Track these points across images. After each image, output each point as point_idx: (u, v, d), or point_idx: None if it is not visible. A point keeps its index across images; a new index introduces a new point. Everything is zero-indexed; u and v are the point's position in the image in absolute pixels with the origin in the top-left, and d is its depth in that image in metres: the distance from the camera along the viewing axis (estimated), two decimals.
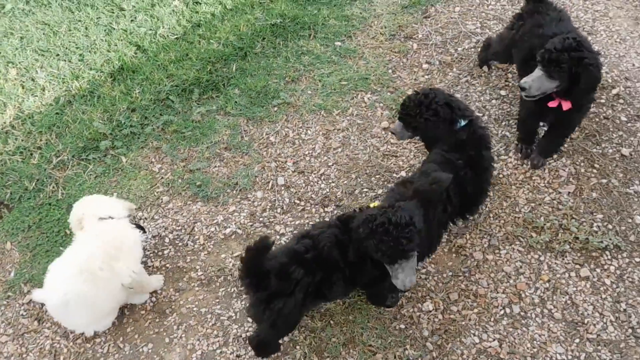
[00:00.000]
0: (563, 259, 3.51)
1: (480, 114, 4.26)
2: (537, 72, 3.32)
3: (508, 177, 3.92)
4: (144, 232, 3.67)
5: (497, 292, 3.42)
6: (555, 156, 3.97)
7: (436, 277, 3.52)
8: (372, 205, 2.91)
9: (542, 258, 3.53)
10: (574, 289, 3.40)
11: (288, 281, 2.75)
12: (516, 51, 3.92)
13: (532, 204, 3.77)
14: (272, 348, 3.16)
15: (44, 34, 5.04)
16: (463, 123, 3.21)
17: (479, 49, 4.53)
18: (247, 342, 3.20)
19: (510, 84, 4.44)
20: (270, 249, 2.73)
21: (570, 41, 3.22)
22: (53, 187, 4.07)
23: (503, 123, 4.21)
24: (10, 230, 3.89)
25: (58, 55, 4.85)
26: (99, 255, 3.15)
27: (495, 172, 3.92)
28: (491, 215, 3.76)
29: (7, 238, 3.87)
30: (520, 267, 3.51)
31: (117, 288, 3.23)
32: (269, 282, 2.74)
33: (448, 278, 3.51)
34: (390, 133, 3.49)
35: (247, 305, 3.02)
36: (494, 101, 4.35)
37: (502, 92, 4.39)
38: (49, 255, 3.74)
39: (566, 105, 3.43)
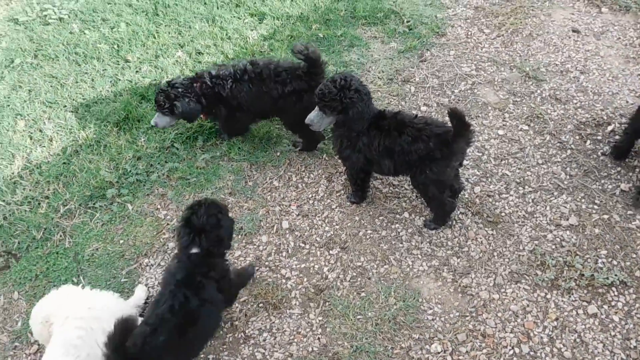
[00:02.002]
0: (570, 297, 3.51)
1: (480, 154, 4.34)
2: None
3: (510, 215, 3.96)
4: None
5: (506, 332, 3.41)
6: (556, 193, 4.03)
7: (443, 318, 3.52)
8: None
9: (548, 296, 3.54)
10: (583, 326, 3.39)
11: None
12: None
13: (536, 242, 3.80)
14: None
15: (51, 86, 5.17)
16: None
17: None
18: None
19: (508, 124, 4.54)
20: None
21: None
22: (60, 236, 4.11)
23: (502, 162, 4.28)
24: (17, 280, 3.91)
25: (65, 106, 4.97)
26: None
27: (497, 211, 3.97)
28: (495, 253, 3.78)
29: (15, 287, 3.88)
30: (527, 305, 3.51)
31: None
32: None
33: (455, 318, 3.50)
34: (307, 124, 3.78)
35: None
36: (492, 141, 4.43)
37: (500, 132, 4.48)
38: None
39: None
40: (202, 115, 4.38)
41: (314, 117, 3.70)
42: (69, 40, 5.58)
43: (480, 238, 3.87)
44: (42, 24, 5.85)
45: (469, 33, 5.42)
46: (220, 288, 3.12)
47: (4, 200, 4.29)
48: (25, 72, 5.34)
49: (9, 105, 5.02)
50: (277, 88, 4.10)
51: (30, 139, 4.76)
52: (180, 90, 4.13)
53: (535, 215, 3.95)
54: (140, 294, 3.66)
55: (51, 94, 5.10)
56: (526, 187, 4.11)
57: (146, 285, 3.78)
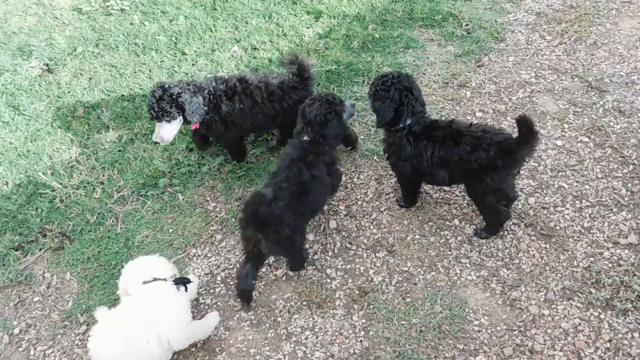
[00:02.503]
0: (625, 318, 3.37)
1: (536, 164, 4.21)
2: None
3: (565, 230, 3.83)
4: (187, 285, 3.50)
5: (555, 350, 3.30)
6: (615, 209, 3.88)
7: (489, 330, 3.43)
8: None
9: (602, 316, 3.40)
10: (638, 350, 3.24)
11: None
12: None
13: (591, 259, 3.66)
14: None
15: (110, 75, 5.30)
16: None
17: None
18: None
19: (567, 135, 4.39)
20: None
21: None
22: (113, 221, 4.21)
23: (559, 174, 4.14)
24: (70, 261, 4.03)
25: (123, 95, 5.09)
26: (143, 324, 3.14)
27: (552, 224, 3.85)
28: (548, 268, 3.67)
29: (67, 268, 4.00)
30: (579, 324, 3.39)
31: (165, 349, 3.24)
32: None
33: (502, 332, 3.41)
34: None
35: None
36: (550, 151, 4.29)
37: (559, 142, 4.34)
38: (106, 287, 3.84)
39: None
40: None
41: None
42: (129, 31, 5.71)
43: (533, 251, 3.75)
44: (104, 14, 6.01)
45: (530, 39, 5.27)
46: (329, 172, 3.61)
47: (61, 184, 4.42)
48: (86, 60, 5.50)
49: (69, 92, 5.18)
50: (274, 107, 4.06)
51: (88, 125, 4.89)
52: (178, 88, 3.85)
53: (592, 231, 3.80)
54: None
55: (110, 82, 5.23)
56: (583, 201, 3.97)
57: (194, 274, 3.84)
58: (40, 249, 4.12)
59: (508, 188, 3.59)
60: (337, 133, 3.66)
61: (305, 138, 3.56)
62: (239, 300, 3.61)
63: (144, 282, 3.28)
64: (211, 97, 3.97)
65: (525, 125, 3.19)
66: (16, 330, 3.74)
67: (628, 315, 3.38)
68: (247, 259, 3.46)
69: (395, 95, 3.53)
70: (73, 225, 4.21)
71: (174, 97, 3.82)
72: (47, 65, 5.46)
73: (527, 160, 3.47)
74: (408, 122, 3.56)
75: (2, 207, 4.33)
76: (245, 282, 3.43)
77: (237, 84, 4.02)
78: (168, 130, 3.94)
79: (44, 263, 4.06)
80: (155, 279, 3.32)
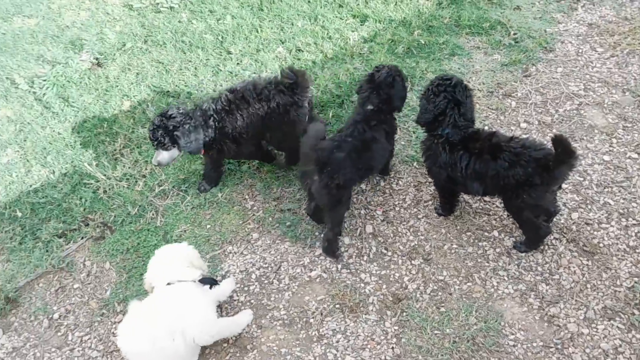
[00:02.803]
0: None
1: (581, 178, 4.10)
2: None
3: (609, 247, 3.72)
4: (213, 285, 3.56)
5: None
6: None
7: (525, 346, 3.35)
8: None
9: None
10: None
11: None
12: None
13: (636, 279, 3.54)
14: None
15: (157, 71, 5.42)
16: None
17: None
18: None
19: (615, 150, 4.26)
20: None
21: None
22: (152, 214, 4.29)
23: (605, 190, 4.02)
24: (110, 251, 4.12)
25: (168, 91, 5.19)
26: (168, 321, 3.17)
27: (595, 241, 3.74)
28: (589, 285, 3.56)
29: (107, 258, 4.10)
30: (620, 345, 3.28)
31: (190, 346, 3.26)
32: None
33: (538, 348, 3.33)
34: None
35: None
36: (596, 166, 4.18)
37: (606, 158, 4.22)
38: (143, 279, 3.91)
39: None
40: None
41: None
42: (177, 29, 5.82)
43: (574, 267, 3.65)
44: (154, 11, 6.15)
45: (580, 50, 5.14)
46: (388, 139, 3.89)
47: (105, 175, 4.53)
48: (134, 55, 5.63)
49: (117, 86, 5.31)
50: (262, 106, 3.96)
51: (134, 119, 5.00)
52: (178, 119, 3.84)
53: (637, 251, 3.68)
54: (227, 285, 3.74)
55: (156, 78, 5.34)
56: (630, 219, 3.84)
57: (227, 271, 3.88)
58: (83, 238, 4.23)
59: (547, 203, 3.50)
60: (402, 96, 3.86)
61: (369, 107, 3.76)
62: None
63: (168, 284, 3.32)
64: (215, 122, 3.96)
65: (561, 146, 3.11)
66: (56, 315, 3.85)
67: None
68: (310, 198, 3.86)
69: (441, 104, 3.49)
70: (114, 216, 4.31)
71: (170, 130, 3.84)
72: (97, 59, 5.61)
73: (565, 177, 3.38)
74: (446, 131, 3.53)
75: (48, 195, 4.47)
76: (316, 215, 3.97)
77: (228, 94, 3.99)
78: (165, 156, 3.96)
79: (85, 251, 4.17)
80: (179, 281, 3.34)
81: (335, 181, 3.49)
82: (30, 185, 4.56)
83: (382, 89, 3.74)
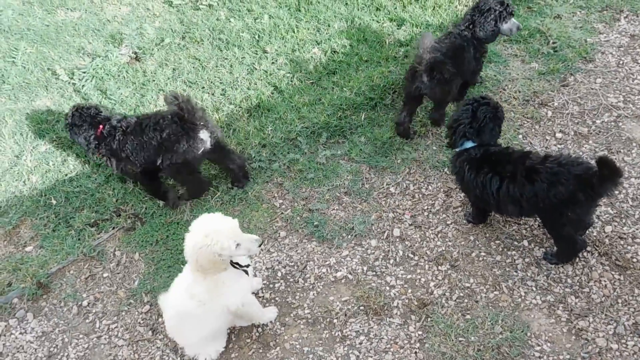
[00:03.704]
0: None
1: (616, 191, 4.01)
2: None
3: None
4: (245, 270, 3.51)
5: None
6: None
7: (551, 358, 3.30)
8: None
9: None
10: None
11: None
12: None
13: None
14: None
15: (193, 67, 5.49)
16: None
17: None
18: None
19: None
20: None
21: None
22: (182, 208, 4.35)
23: None
24: (140, 242, 4.20)
25: (203, 87, 5.26)
26: (204, 285, 3.19)
27: (628, 256, 3.66)
28: (620, 300, 3.48)
29: (137, 249, 4.17)
30: None
31: (223, 312, 3.27)
32: None
33: None
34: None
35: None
36: (632, 179, 4.08)
37: None
38: (171, 270, 3.98)
39: None
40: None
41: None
42: (215, 26, 5.89)
43: (605, 281, 3.58)
44: (193, 8, 6.23)
45: (621, 62, 5.03)
46: (475, 57, 4.47)
47: None
48: (172, 51, 5.72)
49: (154, 80, 5.40)
50: (155, 136, 3.97)
51: None
52: (77, 121, 4.15)
53: None
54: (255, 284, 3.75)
55: (192, 74, 5.42)
56: None
57: (254, 268, 3.91)
58: (114, 228, 4.32)
59: (589, 219, 3.44)
60: (493, 30, 4.32)
61: (462, 28, 4.33)
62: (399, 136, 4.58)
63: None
64: (110, 135, 4.17)
65: (607, 167, 3.06)
66: (85, 303, 3.94)
67: None
68: (405, 104, 4.49)
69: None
70: (145, 208, 4.38)
71: (69, 123, 4.25)
72: (135, 53, 5.71)
73: (611, 193, 3.31)
74: (466, 145, 3.52)
75: (83, 185, 4.57)
76: (403, 126, 4.48)
77: (136, 119, 4.15)
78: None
79: (116, 241, 4.26)
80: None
81: (445, 75, 4.09)
82: (66, 175, 4.67)
83: (482, 14, 4.30)
